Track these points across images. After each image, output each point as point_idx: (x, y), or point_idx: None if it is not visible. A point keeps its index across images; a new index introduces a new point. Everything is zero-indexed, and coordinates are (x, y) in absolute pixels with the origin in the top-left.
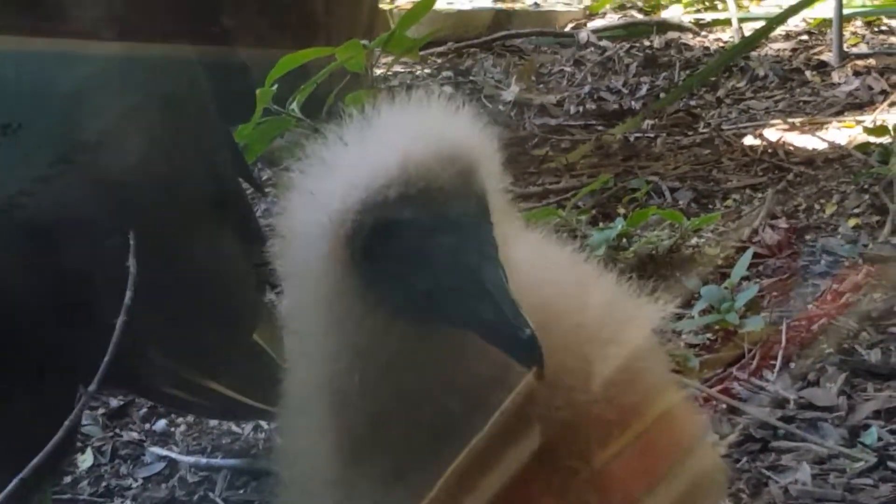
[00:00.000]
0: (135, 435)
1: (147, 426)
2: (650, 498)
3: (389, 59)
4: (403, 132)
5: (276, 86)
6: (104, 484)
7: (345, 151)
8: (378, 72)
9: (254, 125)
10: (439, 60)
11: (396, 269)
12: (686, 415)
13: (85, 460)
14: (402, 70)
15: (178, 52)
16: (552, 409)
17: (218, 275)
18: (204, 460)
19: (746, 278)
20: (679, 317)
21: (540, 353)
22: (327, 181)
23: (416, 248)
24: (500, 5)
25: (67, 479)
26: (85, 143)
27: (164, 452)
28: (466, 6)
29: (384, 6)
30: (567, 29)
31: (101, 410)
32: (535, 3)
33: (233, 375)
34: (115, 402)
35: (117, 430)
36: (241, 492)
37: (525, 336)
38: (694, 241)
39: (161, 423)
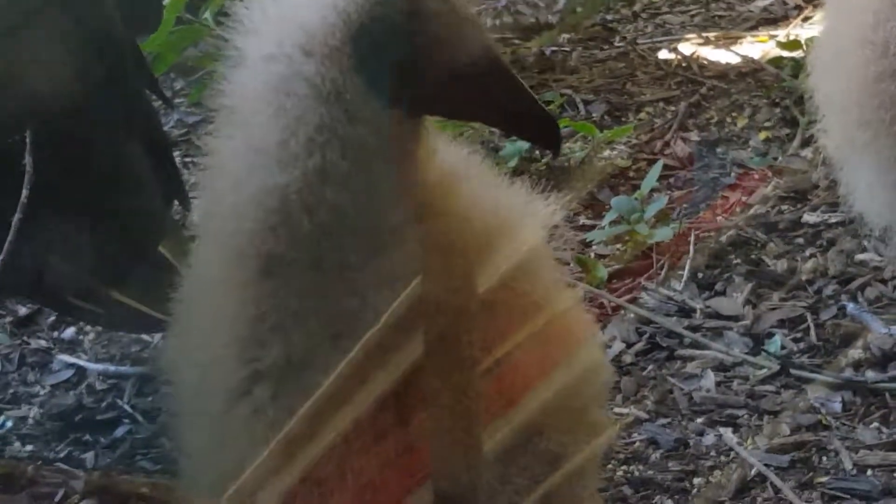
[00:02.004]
0: (43, 343)
1: (55, 334)
2: (542, 390)
3: None
4: None
5: None
6: (11, 391)
7: None
8: None
9: (165, 34)
10: None
11: (422, 66)
12: (575, 311)
13: None
14: None
15: None
16: (449, 292)
17: (121, 184)
18: (112, 368)
19: (657, 190)
20: (590, 227)
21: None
22: None
23: (444, 38)
24: None
25: None
26: None
27: (73, 360)
28: None
29: None
30: None
31: (8, 318)
32: None
33: (138, 286)
34: (23, 311)
35: (25, 338)
36: (150, 399)
37: (554, 124)
38: (606, 153)
39: (70, 331)
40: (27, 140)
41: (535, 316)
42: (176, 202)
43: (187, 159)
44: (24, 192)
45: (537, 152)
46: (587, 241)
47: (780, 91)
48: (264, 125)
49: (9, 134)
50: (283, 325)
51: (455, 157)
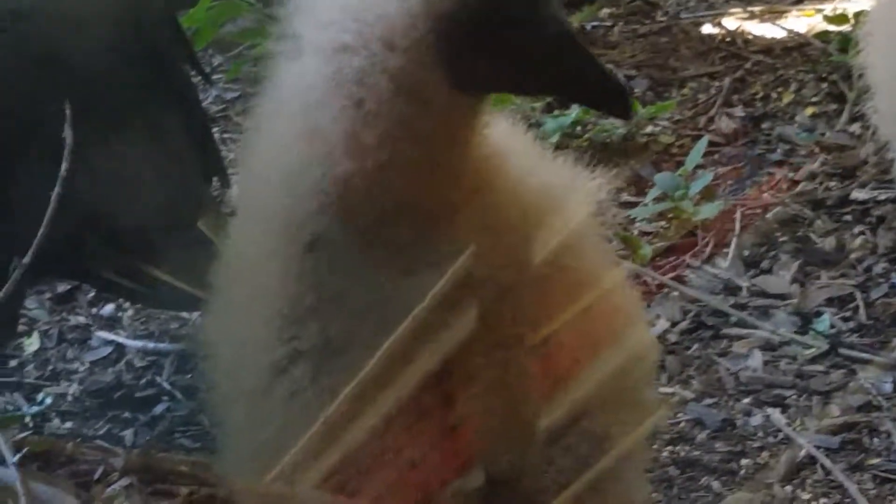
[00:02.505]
0: (82, 319)
1: (94, 310)
2: (589, 369)
3: None
4: None
5: None
6: (50, 368)
7: None
8: None
9: (204, 10)
10: None
11: (502, 47)
12: (622, 289)
13: (31, 344)
14: None
15: None
16: (495, 270)
17: (159, 159)
18: (151, 345)
19: (701, 166)
20: (633, 204)
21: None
22: None
23: (526, 23)
24: None
25: (13, 362)
26: (20, 10)
27: (112, 337)
28: None
29: None
30: None
31: (47, 295)
32: None
33: (176, 263)
34: (62, 287)
35: (64, 315)
36: (188, 376)
37: (624, 91)
38: (649, 129)
39: (108, 308)
40: (66, 112)
41: (583, 293)
42: (215, 178)
43: (226, 135)
44: (64, 166)
45: (578, 128)
46: (631, 218)
47: (827, 66)
48: (335, 115)
49: (47, 105)
50: (327, 303)
51: (502, 132)
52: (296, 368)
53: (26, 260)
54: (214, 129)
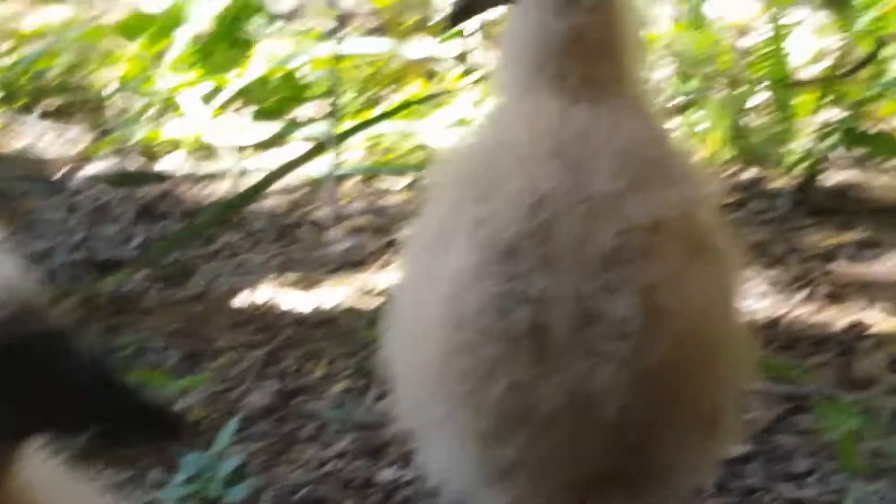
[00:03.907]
0: None
1: None
2: None
3: None
4: None
5: None
6: None
7: None
8: None
9: None
10: None
11: (28, 389)
12: None
13: None
14: None
15: None
16: None
17: None
18: None
19: (235, 443)
20: (163, 484)
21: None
22: None
23: (52, 359)
24: None
25: None
26: None
27: None
28: None
29: None
30: (61, 173)
31: None
32: (24, 148)
33: None
34: None
35: None
36: None
37: (173, 414)
38: (182, 404)
39: None
40: None
41: None
42: None
43: None
44: None
45: None
46: (160, 499)
47: (356, 341)
48: None
49: None
50: None
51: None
52: None
53: None
54: None
